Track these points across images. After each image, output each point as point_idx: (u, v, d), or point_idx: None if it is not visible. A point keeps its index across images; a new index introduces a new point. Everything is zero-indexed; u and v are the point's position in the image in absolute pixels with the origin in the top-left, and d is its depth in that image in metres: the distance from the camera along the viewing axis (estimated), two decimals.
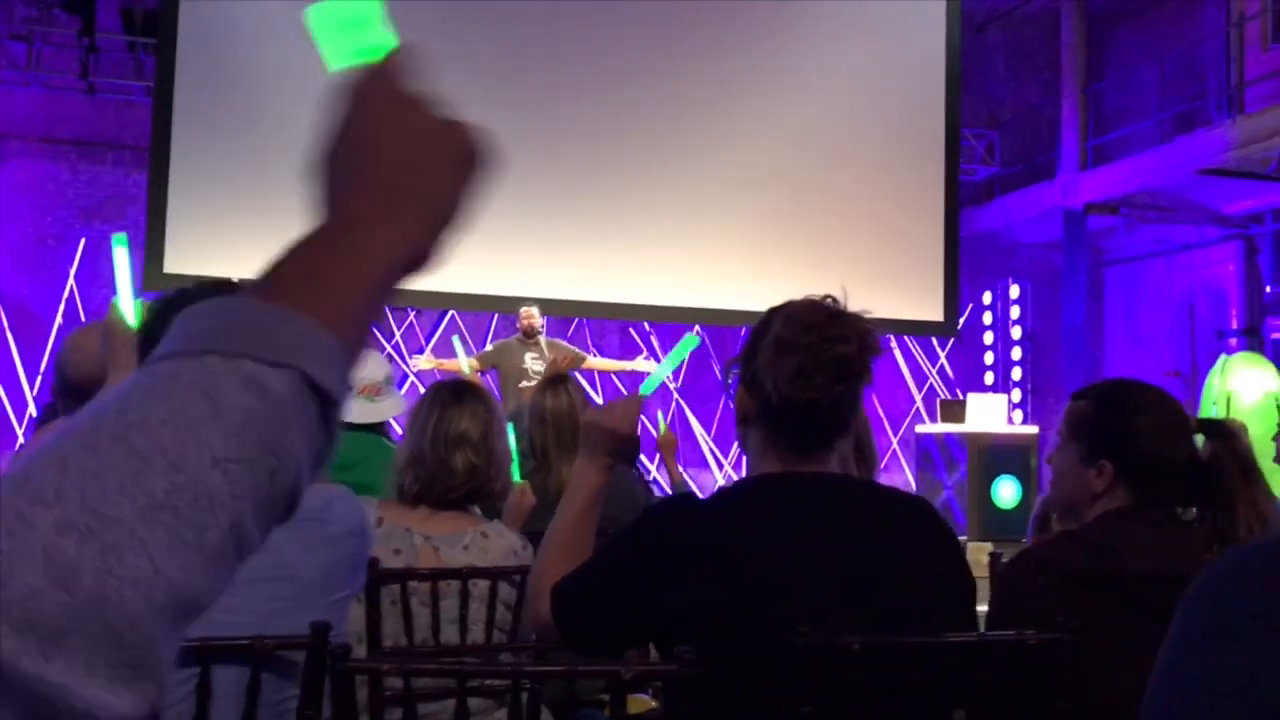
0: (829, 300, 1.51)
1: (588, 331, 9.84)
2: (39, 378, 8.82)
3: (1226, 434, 1.80)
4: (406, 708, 1.32)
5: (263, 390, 0.49)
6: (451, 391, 2.43)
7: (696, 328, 9.16)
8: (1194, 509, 1.83)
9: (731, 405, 1.60)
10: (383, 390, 3.20)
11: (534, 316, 6.89)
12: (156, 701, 0.45)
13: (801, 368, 1.45)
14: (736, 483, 1.59)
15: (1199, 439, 1.82)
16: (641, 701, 2.65)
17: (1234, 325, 10.03)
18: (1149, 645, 1.36)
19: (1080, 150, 10.41)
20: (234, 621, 1.36)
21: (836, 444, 1.55)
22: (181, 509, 0.46)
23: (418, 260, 0.60)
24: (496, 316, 9.39)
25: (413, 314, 9.36)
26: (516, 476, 2.88)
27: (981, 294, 11.14)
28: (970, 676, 1.48)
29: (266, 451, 0.49)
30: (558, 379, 3.36)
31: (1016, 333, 11.06)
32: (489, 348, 7.27)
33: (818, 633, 1.34)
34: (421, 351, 9.37)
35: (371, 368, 3.27)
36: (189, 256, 7.75)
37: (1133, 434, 1.80)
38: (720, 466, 10.03)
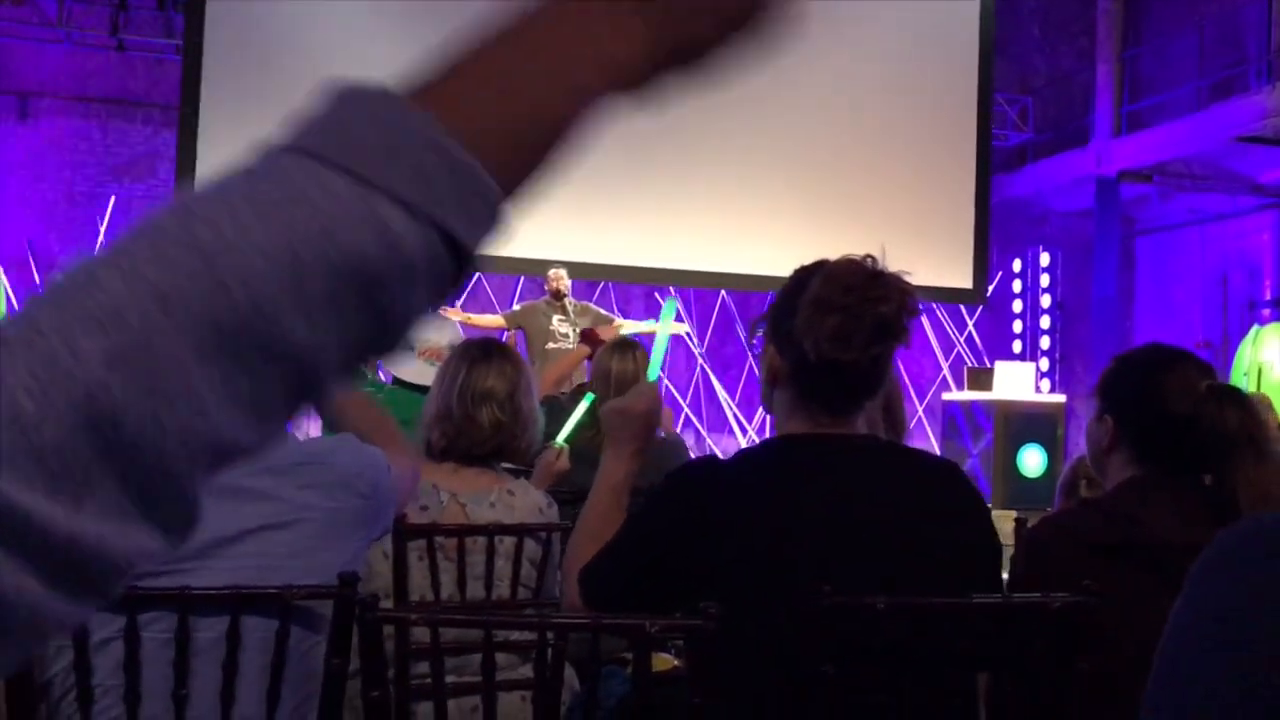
0: (868, 260, 1.49)
1: (613, 295, 9.83)
2: None
3: (1237, 401, 1.74)
4: (433, 660, 1.33)
5: (392, 245, 0.40)
6: (480, 348, 2.45)
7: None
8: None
9: (755, 364, 1.60)
10: (444, 355, 3.23)
11: (562, 279, 6.88)
12: (188, 536, 0.42)
13: (841, 327, 1.44)
14: (761, 444, 1.59)
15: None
16: (665, 660, 2.67)
17: (1267, 296, 9.91)
18: (1165, 614, 1.36)
19: (1114, 117, 10.28)
20: (237, 567, 1.37)
21: (866, 405, 1.54)
22: (252, 358, 0.39)
23: (635, 76, 0.47)
24: (523, 279, 9.39)
25: None
26: (562, 439, 2.88)
27: (1011, 262, 11.06)
28: (994, 639, 1.48)
29: (370, 312, 0.41)
30: (626, 343, 3.36)
31: (1046, 301, 10.98)
32: (516, 308, 7.27)
33: (841, 593, 1.34)
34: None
35: (437, 331, 3.30)
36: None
37: (1133, 390, 1.80)
38: (744, 432, 10.03)
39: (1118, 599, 1.60)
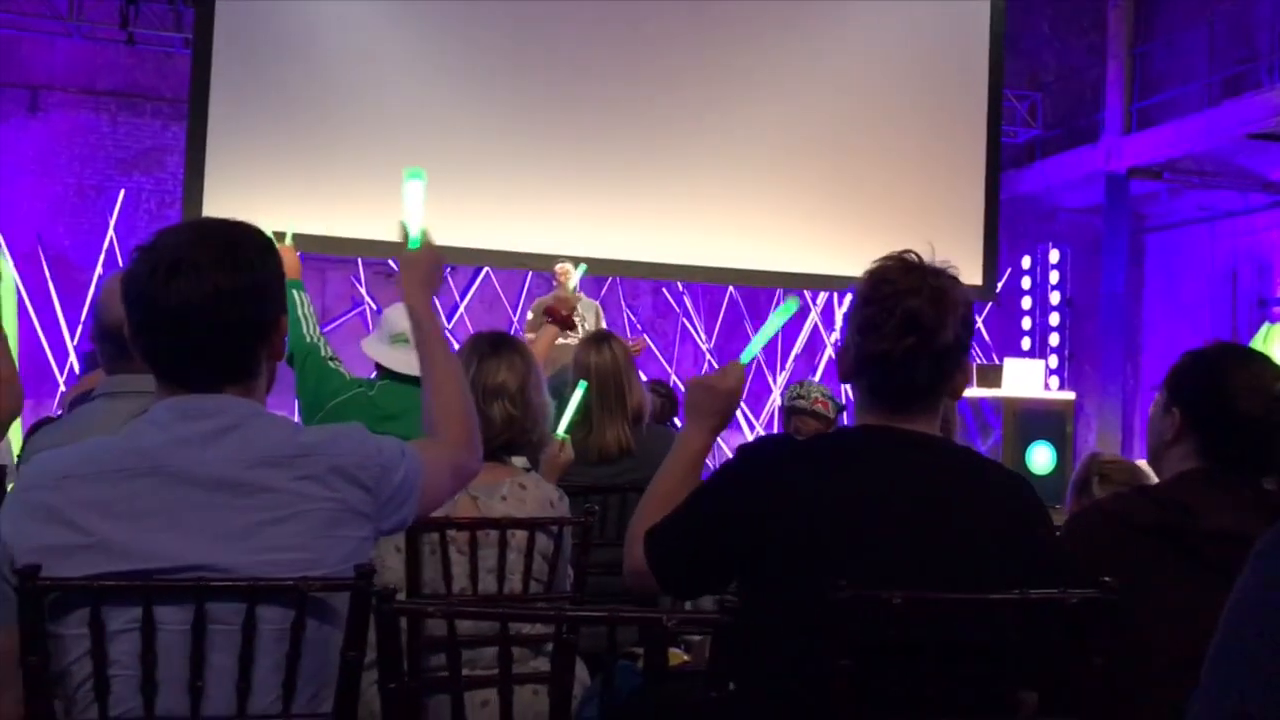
0: (911, 255, 1.51)
1: (621, 291, 9.83)
2: (79, 327, 8.92)
3: None
4: (450, 653, 1.33)
5: None
6: (490, 343, 2.44)
7: (806, 294, 9.11)
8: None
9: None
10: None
11: (569, 272, 6.87)
12: None
13: (873, 319, 1.48)
14: (834, 430, 1.62)
15: None
16: (675, 655, 2.66)
17: (1277, 293, 9.88)
18: (1213, 602, 1.36)
19: (1124, 113, 10.24)
20: (249, 563, 1.36)
21: (931, 402, 1.54)
22: None
23: None
24: (531, 274, 9.39)
25: (447, 270, 9.38)
26: (562, 431, 2.88)
27: (1020, 258, 11.03)
28: (1010, 634, 1.47)
29: None
30: (602, 336, 3.35)
31: (1055, 298, 10.95)
32: (530, 315, 7.23)
33: (858, 586, 1.33)
34: (456, 308, 9.42)
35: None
36: (227, 209, 7.78)
37: (1204, 385, 1.80)
38: (752, 427, 10.03)
39: (1162, 584, 1.60)
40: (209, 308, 1.38)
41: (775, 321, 1.99)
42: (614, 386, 3.16)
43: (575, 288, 6.03)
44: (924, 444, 1.53)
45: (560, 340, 6.62)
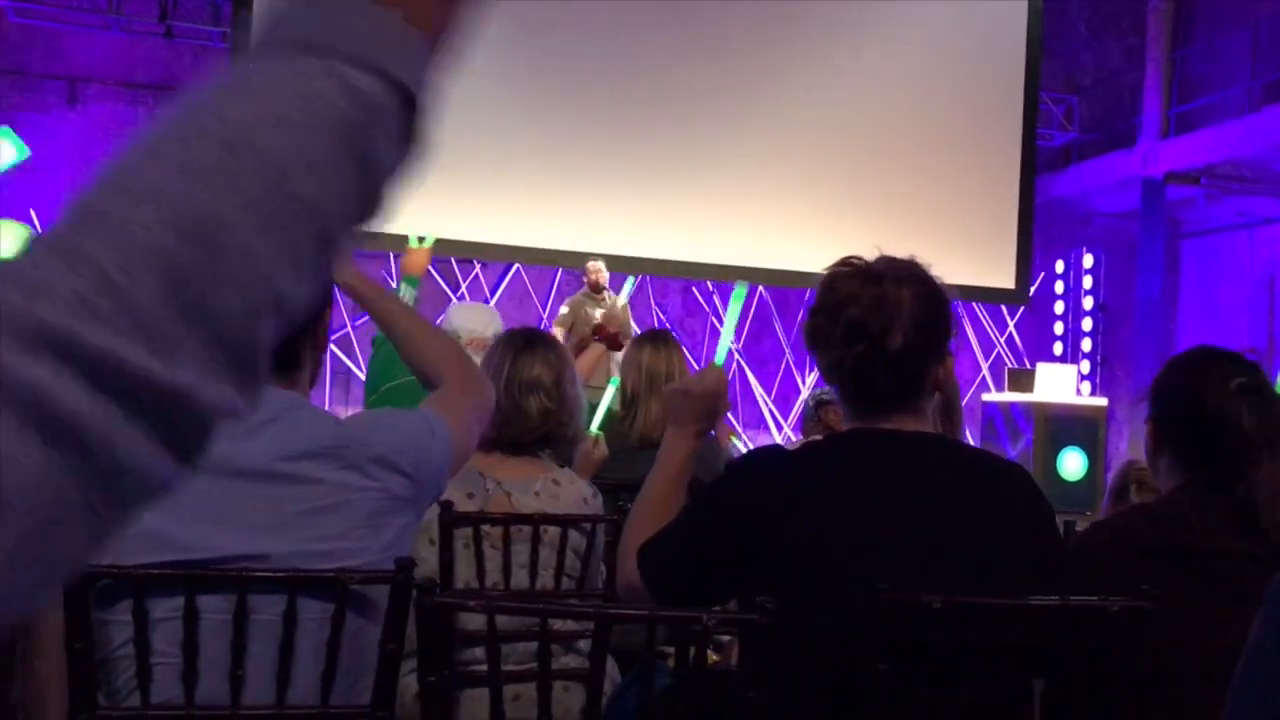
0: (855, 259, 1.52)
1: (650, 289, 9.83)
2: None
3: (1262, 400, 1.67)
4: (490, 647, 1.33)
5: (356, 95, 0.47)
6: (524, 338, 2.45)
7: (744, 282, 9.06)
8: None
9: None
10: (489, 345, 3.23)
11: (601, 271, 6.89)
12: (258, 394, 0.47)
13: (821, 329, 1.50)
14: (827, 437, 1.60)
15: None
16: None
17: None
18: (1216, 620, 1.34)
19: (1162, 117, 10.14)
20: (282, 554, 1.37)
21: (907, 402, 1.53)
22: (281, 213, 0.45)
23: None
24: (560, 271, 9.41)
25: (478, 266, 9.42)
26: (595, 428, 2.89)
27: (1054, 262, 10.95)
28: (1049, 641, 1.46)
29: (357, 158, 0.48)
30: (660, 336, 3.35)
31: (1088, 303, 10.86)
32: (564, 311, 7.22)
33: (896, 589, 1.33)
34: (488, 302, 9.44)
35: (480, 321, 3.30)
36: None
37: (1171, 390, 1.77)
38: (780, 428, 10.00)
39: (1167, 604, 1.57)
40: None
41: (733, 309, 2.00)
42: (664, 380, 3.16)
43: (624, 304, 5.98)
44: (914, 441, 1.52)
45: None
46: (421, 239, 3.11)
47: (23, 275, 0.41)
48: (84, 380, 0.40)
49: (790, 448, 1.57)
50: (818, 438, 1.79)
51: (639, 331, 5.96)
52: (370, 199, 0.49)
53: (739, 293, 2.01)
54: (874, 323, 1.46)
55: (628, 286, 5.63)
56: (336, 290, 3.13)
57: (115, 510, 0.42)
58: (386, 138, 0.49)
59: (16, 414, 0.38)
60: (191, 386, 0.43)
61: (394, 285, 3.18)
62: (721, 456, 3.38)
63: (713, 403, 1.68)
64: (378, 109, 0.48)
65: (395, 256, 9.24)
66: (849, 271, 1.51)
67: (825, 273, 1.53)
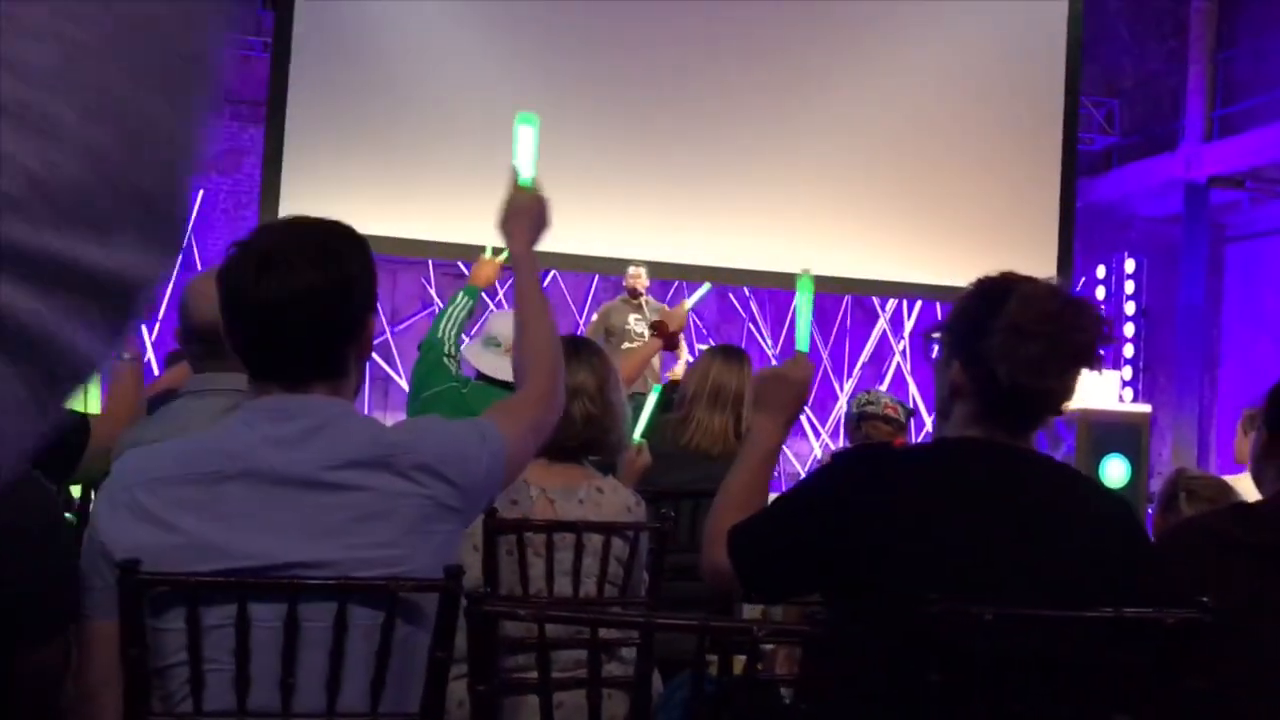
0: (1061, 284, 1.51)
1: (686, 294, 9.82)
2: (157, 325, 9.12)
3: None
4: (540, 655, 1.33)
5: None
6: (570, 344, 2.45)
7: (875, 300, 9.07)
8: None
9: (931, 373, 1.60)
10: None
11: (640, 277, 6.89)
12: (178, 254, 0.47)
13: (1041, 357, 1.44)
14: (935, 442, 1.58)
15: None
16: (740, 663, 2.65)
17: None
18: None
19: (1205, 120, 10.02)
20: (338, 559, 1.38)
21: (1048, 420, 1.54)
22: (164, 62, 0.45)
23: None
24: (597, 277, 9.42)
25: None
26: (639, 436, 2.89)
27: (1095, 268, 10.83)
28: (1105, 654, 1.44)
29: None
30: (734, 351, 3.32)
31: (1130, 308, 10.74)
32: (594, 318, 7.23)
33: (948, 600, 1.31)
34: None
35: (511, 325, 3.31)
36: (302, 209, 7.87)
37: None
38: (818, 435, 9.96)
39: (1260, 604, 1.57)
40: (298, 304, 1.40)
41: (805, 303, 1.99)
42: (729, 399, 3.13)
43: (689, 309, 5.94)
44: (1032, 461, 1.50)
45: (625, 345, 6.64)
46: (498, 251, 3.10)
47: None
48: (23, 282, 0.40)
49: (900, 451, 1.56)
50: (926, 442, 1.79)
51: (689, 359, 5.94)
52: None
53: (805, 283, 1.99)
54: (1095, 350, 1.48)
55: (700, 293, 5.55)
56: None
57: (58, 393, 0.43)
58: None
59: None
60: (128, 265, 0.43)
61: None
62: None
63: (804, 390, 1.70)
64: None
65: (435, 264, 9.30)
66: (1061, 296, 1.50)
67: (1018, 294, 1.48)
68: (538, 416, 1.65)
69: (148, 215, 0.44)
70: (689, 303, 5.56)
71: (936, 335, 1.60)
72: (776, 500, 1.58)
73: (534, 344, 1.71)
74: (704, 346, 5.02)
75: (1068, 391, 1.50)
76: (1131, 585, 1.47)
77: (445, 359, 3.09)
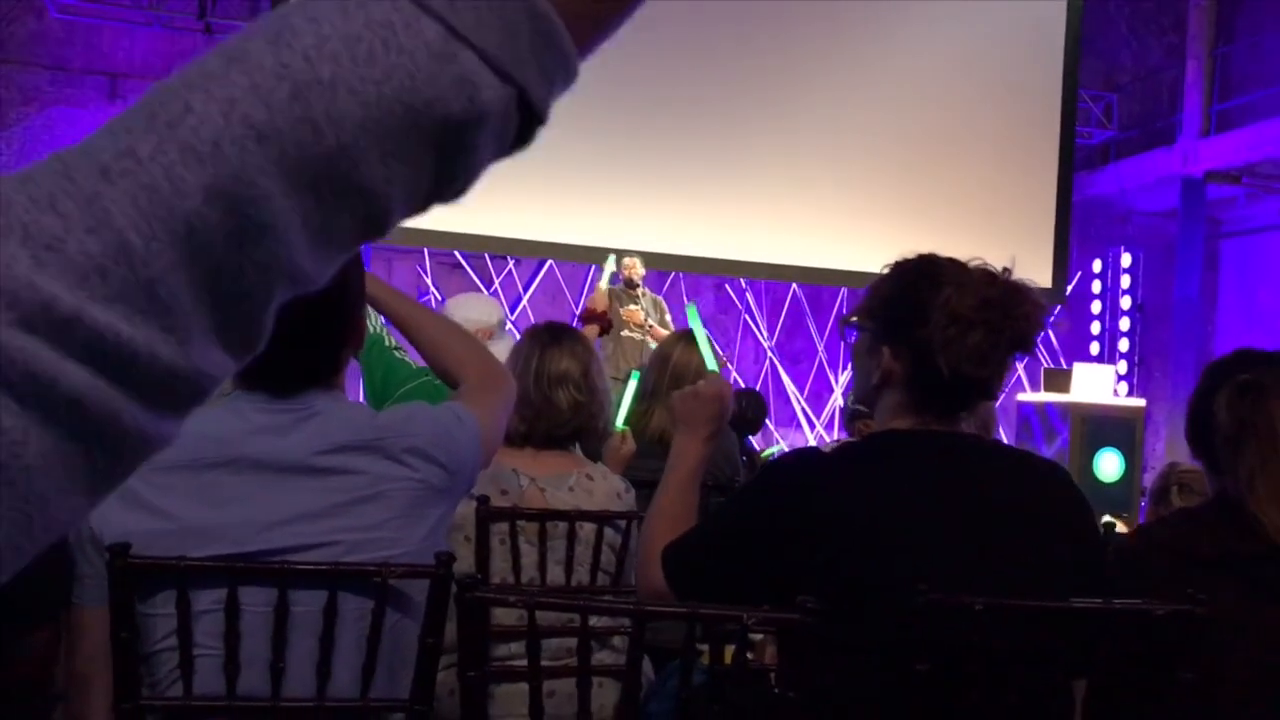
0: (1005, 271, 1.48)
1: (683, 286, 9.81)
2: None
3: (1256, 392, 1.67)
4: (530, 643, 1.33)
5: (475, 104, 0.41)
6: (549, 332, 2.45)
7: (697, 300, 9.01)
8: None
9: (849, 359, 1.58)
10: (495, 334, 3.22)
11: (635, 267, 6.88)
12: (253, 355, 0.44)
13: (981, 345, 1.43)
14: (865, 438, 1.56)
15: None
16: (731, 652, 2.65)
17: None
18: (1269, 621, 1.31)
19: (1203, 115, 10.01)
20: (330, 542, 1.38)
21: (974, 405, 1.53)
22: (330, 194, 0.40)
23: None
24: (593, 267, 9.41)
25: (512, 263, 9.44)
26: (621, 423, 2.89)
27: (1091, 261, 10.84)
28: (1093, 645, 1.45)
29: (442, 163, 0.42)
30: (692, 335, 3.33)
31: (1126, 303, 10.75)
32: (602, 287, 7.19)
33: (939, 591, 1.31)
34: (519, 300, 9.47)
35: (485, 311, 3.28)
36: None
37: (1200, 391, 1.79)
38: (812, 426, 9.96)
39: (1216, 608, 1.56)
40: (300, 311, 1.38)
41: (698, 330, 2.04)
42: (692, 379, 3.14)
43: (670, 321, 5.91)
44: (952, 442, 1.49)
45: (624, 333, 6.65)
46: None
47: (34, 225, 0.37)
48: (88, 364, 0.37)
49: (826, 450, 1.55)
50: (854, 439, 1.77)
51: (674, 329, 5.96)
52: (437, 195, 0.44)
53: (692, 313, 2.05)
54: (1033, 338, 1.46)
55: (605, 270, 5.50)
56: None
57: (115, 470, 0.41)
58: (484, 141, 0.43)
59: (13, 393, 0.36)
60: (199, 367, 0.40)
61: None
62: (737, 447, 3.36)
63: (722, 405, 1.67)
64: (490, 121, 0.42)
65: (430, 253, 9.29)
66: (1000, 284, 1.47)
67: (955, 282, 1.46)
68: (495, 397, 1.66)
69: (231, 323, 0.41)
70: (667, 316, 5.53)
71: (855, 321, 1.56)
72: (712, 515, 1.55)
73: (445, 344, 1.72)
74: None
75: (1003, 377, 1.49)
76: (1077, 556, 1.47)
77: (394, 352, 3.03)
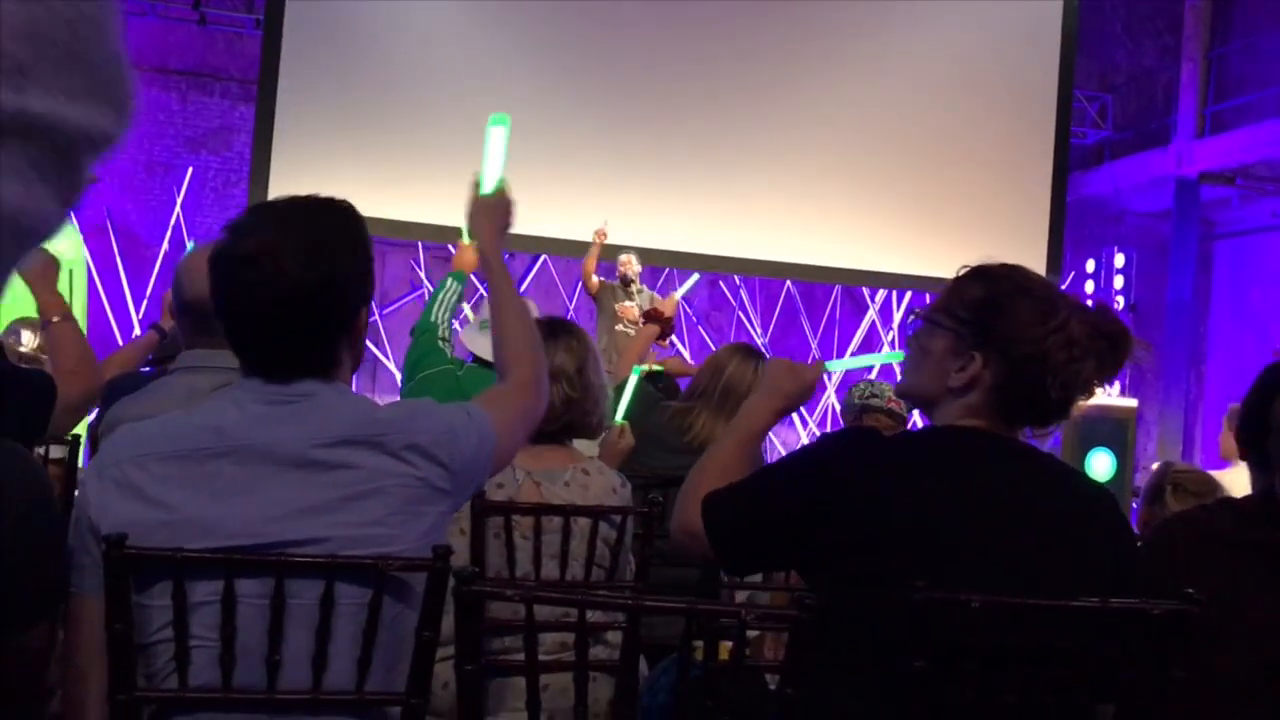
0: (1100, 301, 1.50)
1: (677, 283, 9.81)
2: (144, 302, 9.08)
3: None
4: (528, 636, 1.33)
5: None
6: (547, 327, 2.45)
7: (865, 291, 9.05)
8: None
9: (902, 348, 1.59)
10: None
11: (630, 264, 6.88)
12: (132, 112, 0.49)
13: (1092, 376, 1.47)
14: (926, 429, 1.55)
15: None
16: (726, 647, 2.65)
17: None
18: None
19: (1198, 117, 10.03)
20: (325, 537, 1.37)
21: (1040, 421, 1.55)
22: None
23: None
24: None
25: (506, 257, 9.42)
26: (620, 417, 2.89)
27: (1084, 261, 10.86)
28: (1091, 643, 1.45)
29: None
30: (751, 351, 3.29)
31: (1119, 303, 10.76)
32: (597, 279, 7.17)
33: (934, 588, 1.31)
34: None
35: None
36: (292, 189, 7.84)
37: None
38: (805, 423, 9.97)
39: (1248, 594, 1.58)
40: (284, 300, 1.38)
41: (874, 358, 2.03)
42: (736, 397, 3.11)
43: (679, 298, 5.89)
44: (1021, 453, 1.50)
45: (618, 328, 6.64)
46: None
47: None
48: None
49: (889, 435, 1.53)
50: (913, 428, 1.77)
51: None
52: None
53: (896, 355, 2.07)
54: (1097, 381, 1.49)
55: (690, 283, 5.57)
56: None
57: (6, 252, 0.44)
58: None
59: None
60: (50, 111, 0.44)
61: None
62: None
63: (809, 390, 1.71)
64: None
65: (424, 246, 9.28)
66: (1108, 313, 1.51)
67: (1070, 305, 1.48)
68: (523, 404, 1.65)
69: (76, 64, 0.45)
70: (679, 293, 5.55)
71: (937, 318, 1.56)
72: (760, 472, 1.56)
73: (511, 338, 1.72)
74: (707, 338, 5.02)
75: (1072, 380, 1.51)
76: (1119, 582, 1.47)
77: (440, 342, 3.09)
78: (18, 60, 0.43)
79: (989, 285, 1.52)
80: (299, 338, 1.42)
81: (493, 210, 1.82)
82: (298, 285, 1.37)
